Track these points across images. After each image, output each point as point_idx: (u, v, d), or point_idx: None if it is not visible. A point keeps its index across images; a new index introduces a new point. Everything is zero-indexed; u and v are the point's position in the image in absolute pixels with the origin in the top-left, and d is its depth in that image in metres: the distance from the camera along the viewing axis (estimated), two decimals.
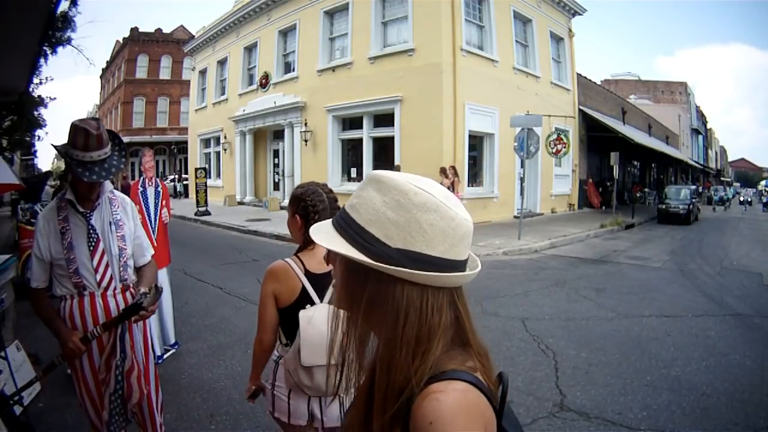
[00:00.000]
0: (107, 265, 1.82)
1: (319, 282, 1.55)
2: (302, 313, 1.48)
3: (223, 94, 19.20)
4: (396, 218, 0.63)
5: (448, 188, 9.16)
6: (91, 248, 1.77)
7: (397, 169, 10.45)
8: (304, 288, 1.54)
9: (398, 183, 0.65)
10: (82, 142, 1.66)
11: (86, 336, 1.73)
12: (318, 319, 1.45)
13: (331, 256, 0.71)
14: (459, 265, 0.66)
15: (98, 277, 1.79)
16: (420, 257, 0.63)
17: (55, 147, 1.79)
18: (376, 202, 0.65)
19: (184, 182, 23.29)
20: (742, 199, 28.03)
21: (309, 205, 1.57)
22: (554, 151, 12.38)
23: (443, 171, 9.79)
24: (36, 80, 12.36)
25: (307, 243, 1.60)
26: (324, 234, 0.69)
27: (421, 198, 0.63)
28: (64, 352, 1.72)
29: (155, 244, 3.75)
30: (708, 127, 53.45)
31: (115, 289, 1.84)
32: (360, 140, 12.97)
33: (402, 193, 0.64)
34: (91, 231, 1.78)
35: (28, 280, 1.79)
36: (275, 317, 1.56)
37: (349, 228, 0.66)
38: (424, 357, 0.63)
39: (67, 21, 10.28)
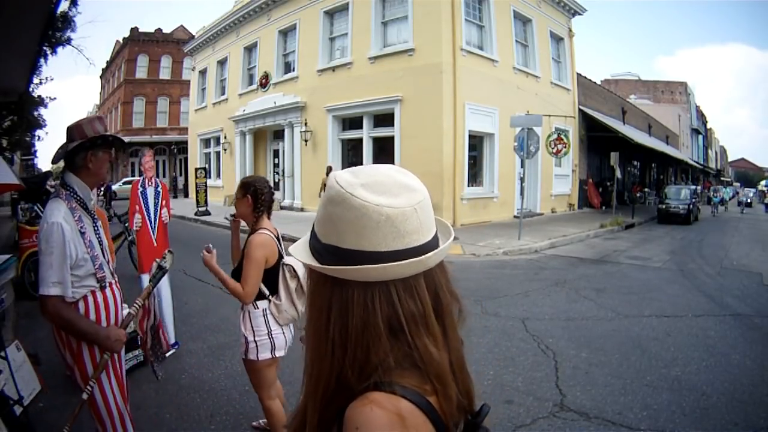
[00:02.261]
0: (109, 256, 1.96)
1: (280, 241, 2.29)
2: (284, 267, 2.17)
3: (223, 94, 19.20)
4: (321, 214, 0.65)
5: None
6: (100, 243, 1.87)
7: (328, 169, 11.57)
8: (279, 251, 2.23)
9: (329, 180, 0.65)
10: (100, 127, 1.83)
11: (129, 313, 1.89)
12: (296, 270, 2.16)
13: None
14: (382, 257, 0.60)
15: (111, 267, 1.93)
16: (336, 251, 0.62)
17: (68, 146, 1.81)
18: (319, 203, 0.67)
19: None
20: (741, 199, 26.36)
21: (258, 188, 2.20)
22: (554, 151, 12.38)
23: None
24: (36, 80, 12.33)
25: (258, 216, 2.22)
26: (297, 244, 0.71)
27: (331, 192, 0.63)
28: (109, 347, 1.74)
29: (155, 244, 3.76)
30: (708, 127, 53.46)
31: (113, 274, 1.94)
32: (360, 140, 12.97)
33: (326, 189, 0.65)
34: (96, 228, 1.86)
35: (52, 298, 1.65)
36: (261, 276, 2.13)
37: (312, 230, 0.69)
38: (358, 362, 0.61)
39: (67, 21, 10.26)
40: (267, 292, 2.19)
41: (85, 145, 1.78)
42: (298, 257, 0.67)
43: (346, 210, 0.61)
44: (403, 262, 0.61)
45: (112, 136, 1.89)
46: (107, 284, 1.84)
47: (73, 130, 1.80)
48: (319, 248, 0.65)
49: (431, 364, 0.61)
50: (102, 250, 1.85)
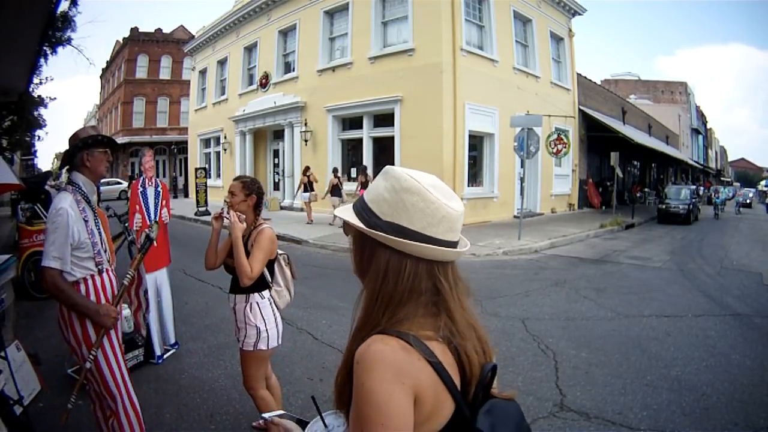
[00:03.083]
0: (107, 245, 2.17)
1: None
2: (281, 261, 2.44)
3: (223, 94, 19.20)
4: (389, 198, 0.80)
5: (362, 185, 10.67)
6: (100, 234, 2.10)
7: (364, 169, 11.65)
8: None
9: (396, 172, 0.82)
10: (92, 132, 2.09)
11: (122, 284, 2.09)
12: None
13: (345, 226, 0.86)
14: (438, 243, 0.79)
15: (107, 256, 2.13)
16: (402, 229, 0.78)
17: (75, 145, 2.05)
18: (380, 187, 0.83)
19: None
20: (737, 200, 24.34)
21: (260, 188, 2.39)
22: (554, 151, 12.38)
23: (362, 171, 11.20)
24: (36, 80, 12.32)
25: (257, 215, 2.36)
26: (344, 210, 0.87)
27: (408, 183, 0.79)
28: (100, 321, 1.94)
29: (155, 244, 3.76)
30: (708, 127, 53.44)
31: (109, 262, 2.17)
32: (360, 140, 12.97)
33: (396, 180, 0.80)
34: (95, 218, 2.09)
35: (51, 269, 1.87)
36: (265, 264, 2.28)
37: (359, 205, 0.85)
38: (393, 312, 0.78)
39: (67, 21, 10.26)
40: (270, 280, 2.35)
41: (79, 146, 2.03)
42: (360, 226, 0.81)
43: (421, 201, 0.78)
44: (450, 249, 0.80)
45: (102, 136, 2.10)
46: (104, 269, 2.07)
47: (71, 138, 2.08)
48: (380, 224, 0.80)
49: (454, 322, 0.79)
50: (101, 240, 2.09)
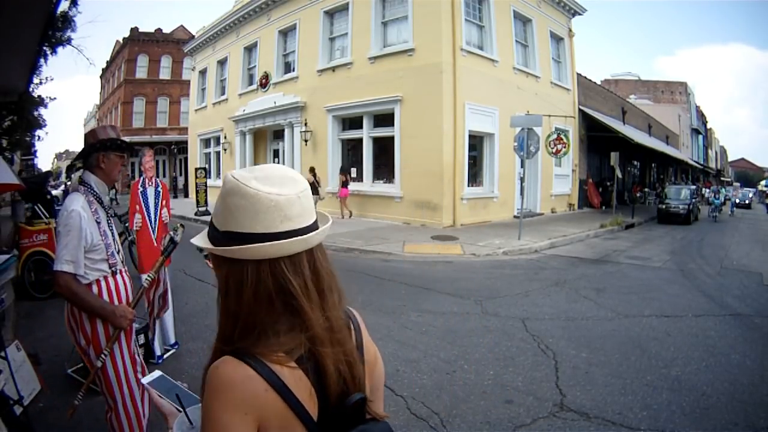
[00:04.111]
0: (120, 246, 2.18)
1: None
2: None
3: (223, 94, 19.20)
4: (220, 207, 0.77)
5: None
6: (113, 234, 2.09)
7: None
8: None
9: (225, 178, 0.76)
10: (112, 133, 2.06)
11: (141, 286, 2.12)
12: None
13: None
14: (273, 237, 0.72)
15: (121, 257, 2.13)
16: (234, 235, 0.73)
17: (90, 146, 2.04)
18: (217, 197, 0.78)
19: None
20: (733, 200, 22.64)
21: None
22: (554, 151, 12.38)
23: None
24: (36, 80, 12.29)
25: None
26: (201, 235, 0.82)
27: (229, 185, 0.74)
28: (115, 323, 1.93)
29: (156, 244, 3.76)
30: (708, 127, 53.43)
31: (123, 263, 2.15)
32: (360, 140, 12.97)
33: (223, 186, 0.76)
34: (109, 221, 2.08)
35: (65, 273, 1.85)
36: None
37: (210, 222, 0.80)
38: (245, 328, 0.74)
39: (67, 21, 10.24)
40: None
41: (96, 147, 2.00)
42: (200, 244, 0.79)
43: (241, 198, 0.73)
44: (290, 240, 0.73)
45: (121, 141, 2.07)
46: (118, 271, 2.06)
47: (88, 135, 2.05)
48: (218, 236, 0.76)
49: (309, 328, 0.73)
50: (114, 241, 2.08)
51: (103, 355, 1.92)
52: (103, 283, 1.99)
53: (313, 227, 0.77)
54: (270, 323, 0.73)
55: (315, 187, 12.23)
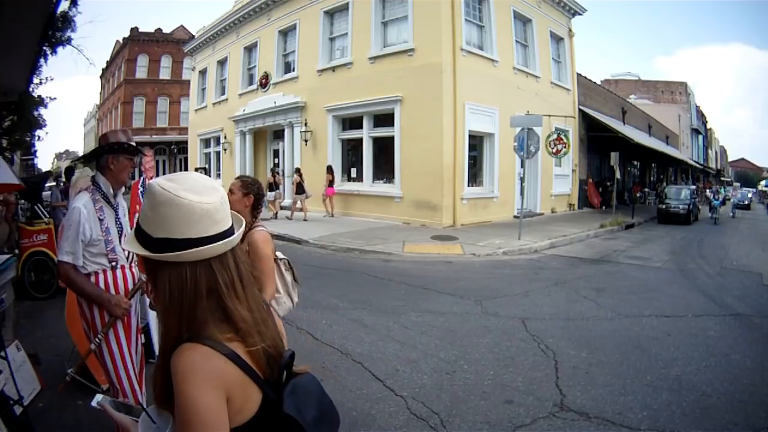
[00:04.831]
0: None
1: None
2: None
3: (223, 94, 19.19)
4: (150, 215, 0.84)
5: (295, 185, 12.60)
6: (119, 232, 2.18)
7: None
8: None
9: (153, 188, 0.83)
10: (123, 137, 2.20)
11: (140, 279, 2.18)
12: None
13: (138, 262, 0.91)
14: (207, 241, 0.82)
15: (126, 253, 2.21)
16: (168, 242, 0.81)
17: (102, 148, 2.15)
18: (144, 206, 0.86)
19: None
20: (733, 201, 22.08)
21: (260, 190, 2.31)
22: (554, 151, 12.38)
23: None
24: (36, 80, 12.31)
25: (255, 217, 2.28)
26: (130, 239, 0.89)
27: (161, 197, 0.82)
28: (111, 311, 2.05)
29: None
30: (708, 127, 53.40)
31: (132, 261, 2.25)
32: (360, 140, 12.96)
33: (152, 196, 0.83)
34: (117, 219, 2.18)
35: (65, 263, 2.01)
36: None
37: (137, 231, 0.87)
38: (190, 321, 0.81)
39: (67, 21, 10.26)
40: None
41: (106, 149, 2.13)
42: (139, 252, 0.84)
43: (175, 209, 0.81)
44: (221, 242, 0.84)
45: (129, 144, 2.18)
46: (119, 266, 2.16)
47: (101, 138, 2.19)
48: (151, 242, 0.83)
49: (237, 319, 0.83)
50: (120, 237, 2.17)
51: (97, 339, 2.04)
52: (101, 276, 2.10)
53: (234, 228, 0.89)
54: (210, 312, 0.82)
55: (301, 187, 12.57)
